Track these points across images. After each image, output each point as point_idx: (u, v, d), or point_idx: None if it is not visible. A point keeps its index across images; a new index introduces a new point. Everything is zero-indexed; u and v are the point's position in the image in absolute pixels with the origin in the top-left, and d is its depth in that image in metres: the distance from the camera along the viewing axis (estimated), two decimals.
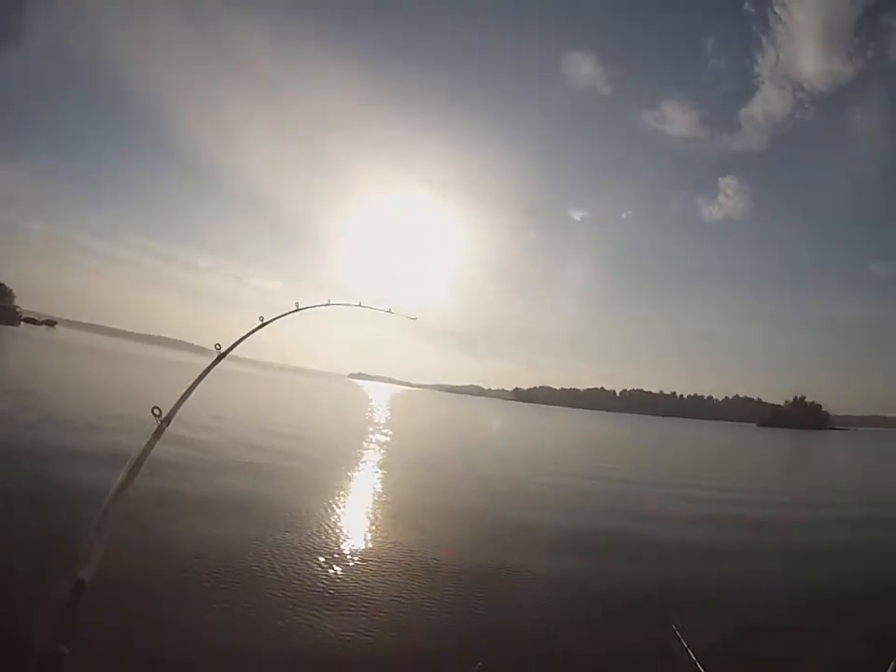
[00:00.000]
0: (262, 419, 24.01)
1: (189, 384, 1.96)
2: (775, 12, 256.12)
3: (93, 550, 1.39)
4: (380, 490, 12.36)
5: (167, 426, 1.75)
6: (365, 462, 15.94)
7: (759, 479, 25.51)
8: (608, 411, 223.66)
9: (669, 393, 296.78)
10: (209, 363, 2.13)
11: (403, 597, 5.88)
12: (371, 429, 25.74)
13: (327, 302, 2.84)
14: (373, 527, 9.02)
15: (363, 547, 7.67)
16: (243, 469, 12.26)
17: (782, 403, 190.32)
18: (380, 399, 76.08)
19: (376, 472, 14.51)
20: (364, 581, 6.22)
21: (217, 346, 2.11)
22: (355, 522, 9.17)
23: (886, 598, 7.46)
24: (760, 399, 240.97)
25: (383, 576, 6.48)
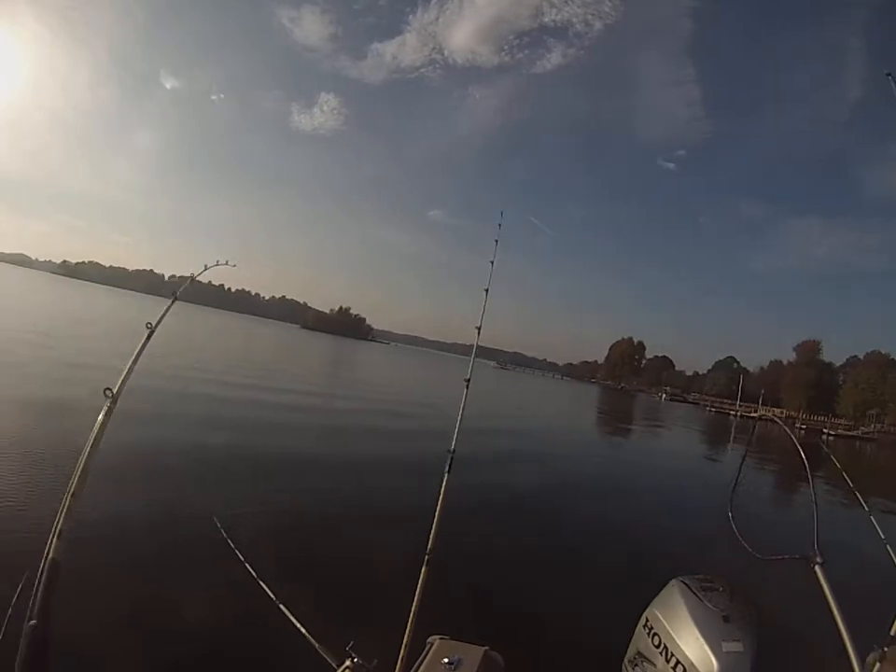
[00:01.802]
0: None
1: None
2: None
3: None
4: None
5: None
6: None
7: (289, 372, 26.35)
8: (155, 294, 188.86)
9: (217, 285, 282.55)
10: None
11: None
12: None
13: None
14: None
15: None
16: None
17: (327, 311, 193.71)
18: None
19: None
20: None
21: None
22: None
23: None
24: (306, 304, 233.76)
25: None
